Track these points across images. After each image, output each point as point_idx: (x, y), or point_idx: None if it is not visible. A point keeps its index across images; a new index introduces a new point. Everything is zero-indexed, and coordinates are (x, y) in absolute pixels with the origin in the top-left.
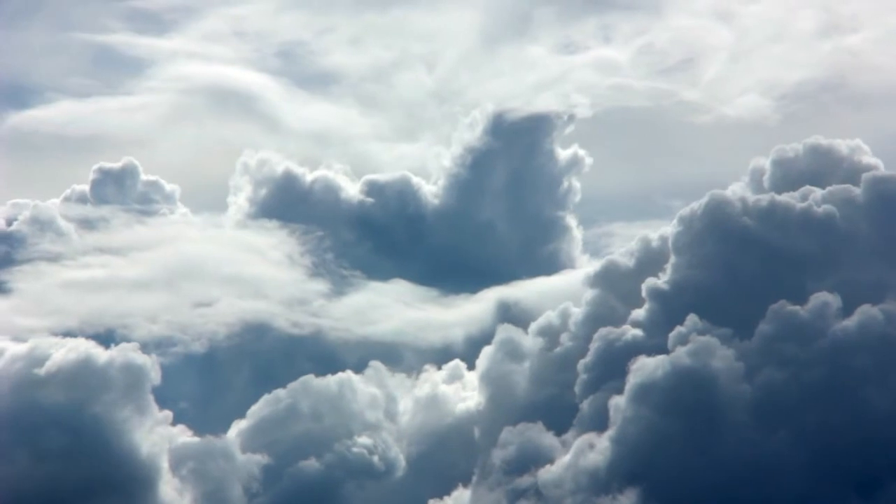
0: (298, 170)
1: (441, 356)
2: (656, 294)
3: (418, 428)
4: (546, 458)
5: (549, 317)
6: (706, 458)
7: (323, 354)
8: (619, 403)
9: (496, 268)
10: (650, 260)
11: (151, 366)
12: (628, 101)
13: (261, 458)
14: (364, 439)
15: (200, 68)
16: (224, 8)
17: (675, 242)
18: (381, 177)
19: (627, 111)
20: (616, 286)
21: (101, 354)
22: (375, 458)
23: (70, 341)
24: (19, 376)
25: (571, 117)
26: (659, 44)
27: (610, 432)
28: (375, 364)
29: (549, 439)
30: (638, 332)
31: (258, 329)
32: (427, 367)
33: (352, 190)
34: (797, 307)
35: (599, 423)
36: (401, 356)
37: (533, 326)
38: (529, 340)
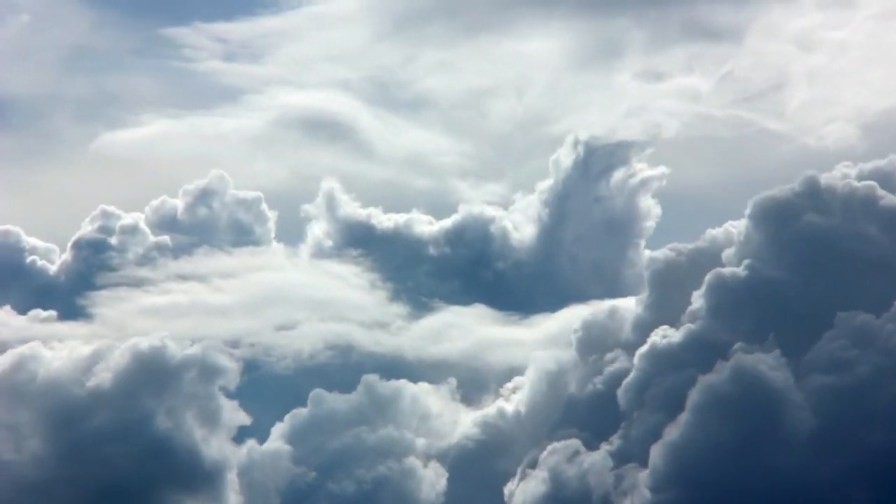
0: (381, 216)
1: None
2: (719, 291)
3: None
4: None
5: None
6: (762, 478)
7: (403, 373)
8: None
9: (576, 293)
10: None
11: (230, 366)
12: (710, 130)
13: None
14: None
15: (292, 94)
16: (316, 33)
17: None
18: (464, 213)
19: (709, 140)
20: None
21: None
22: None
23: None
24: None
25: (653, 146)
26: (741, 72)
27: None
28: (450, 381)
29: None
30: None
31: (341, 349)
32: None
33: (434, 225)
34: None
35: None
36: (481, 374)
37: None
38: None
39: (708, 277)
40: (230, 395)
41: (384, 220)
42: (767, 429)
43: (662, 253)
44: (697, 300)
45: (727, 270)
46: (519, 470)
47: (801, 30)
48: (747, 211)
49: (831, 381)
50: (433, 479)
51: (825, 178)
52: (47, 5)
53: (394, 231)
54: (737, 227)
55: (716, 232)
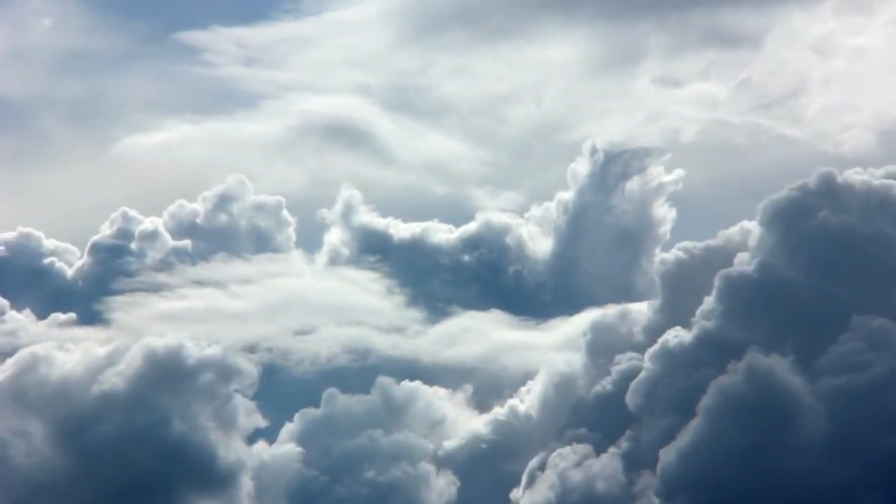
0: (399, 226)
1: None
2: (730, 292)
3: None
4: None
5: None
6: (775, 482)
7: (420, 377)
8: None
9: (593, 299)
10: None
11: (248, 368)
12: (727, 137)
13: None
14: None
15: (312, 100)
16: (336, 39)
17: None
18: (481, 221)
19: (726, 147)
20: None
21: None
22: None
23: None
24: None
25: (670, 152)
26: (759, 78)
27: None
28: (466, 387)
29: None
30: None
31: (359, 353)
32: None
33: (451, 234)
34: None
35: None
36: (497, 378)
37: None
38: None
39: (718, 278)
40: (249, 398)
41: (402, 230)
42: (781, 433)
43: (673, 254)
44: (709, 301)
45: (739, 270)
46: (524, 475)
47: (819, 36)
48: (760, 209)
49: (846, 385)
50: (443, 485)
51: (842, 176)
52: (69, 11)
53: (411, 240)
54: (750, 225)
55: (729, 231)
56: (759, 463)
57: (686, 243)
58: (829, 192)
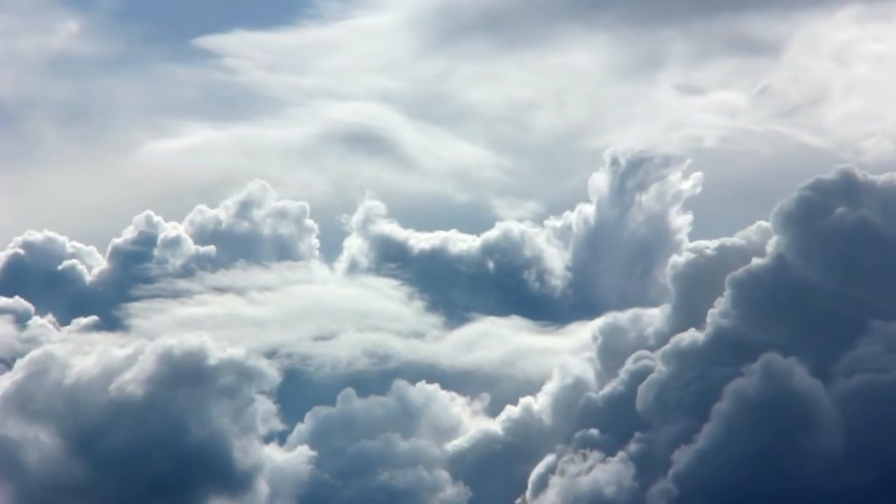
0: (419, 236)
1: None
2: (742, 291)
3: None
4: None
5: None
6: (792, 484)
7: (439, 381)
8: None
9: (613, 307)
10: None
11: (268, 370)
12: (748, 145)
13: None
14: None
15: (334, 106)
16: (359, 45)
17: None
18: (501, 229)
19: (746, 155)
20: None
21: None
22: None
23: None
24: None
25: (691, 160)
26: (779, 86)
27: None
28: (483, 396)
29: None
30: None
31: (378, 357)
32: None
33: (471, 243)
34: None
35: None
36: (516, 382)
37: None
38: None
39: (731, 278)
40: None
41: (422, 241)
42: (798, 437)
43: (684, 256)
44: (721, 301)
45: (753, 270)
46: (530, 482)
47: (840, 44)
48: (777, 207)
49: (864, 388)
50: (455, 493)
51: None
52: (95, 16)
53: (431, 251)
54: (766, 224)
55: (745, 231)
56: (776, 467)
57: (697, 243)
58: (849, 189)
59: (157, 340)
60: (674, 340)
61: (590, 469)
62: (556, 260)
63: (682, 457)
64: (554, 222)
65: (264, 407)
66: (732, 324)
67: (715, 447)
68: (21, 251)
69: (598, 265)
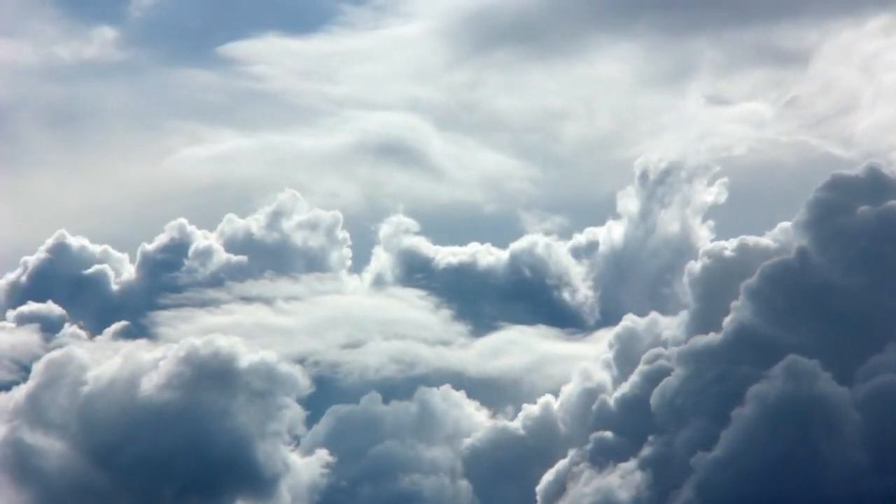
0: (446, 252)
1: None
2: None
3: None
4: None
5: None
6: (816, 492)
7: (465, 388)
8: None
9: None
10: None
11: (298, 375)
12: (775, 156)
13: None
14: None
15: (365, 115)
16: (389, 54)
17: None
18: (528, 242)
19: (773, 166)
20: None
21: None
22: None
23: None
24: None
25: (718, 171)
26: (807, 97)
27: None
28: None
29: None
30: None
31: (405, 363)
32: None
33: (498, 255)
34: None
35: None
36: (541, 388)
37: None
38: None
39: (753, 276)
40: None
41: (449, 255)
42: (820, 444)
43: (700, 260)
44: (737, 304)
45: (774, 266)
46: (539, 492)
47: (867, 54)
48: (804, 204)
49: (888, 393)
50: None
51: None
52: (127, 22)
53: (458, 265)
54: (788, 226)
55: (770, 233)
56: (799, 475)
57: (713, 245)
58: (875, 185)
59: (181, 341)
60: (692, 341)
61: (603, 475)
62: (583, 273)
63: (702, 463)
64: (581, 238)
65: (293, 412)
66: (752, 323)
67: (736, 453)
68: (50, 255)
69: (626, 278)
